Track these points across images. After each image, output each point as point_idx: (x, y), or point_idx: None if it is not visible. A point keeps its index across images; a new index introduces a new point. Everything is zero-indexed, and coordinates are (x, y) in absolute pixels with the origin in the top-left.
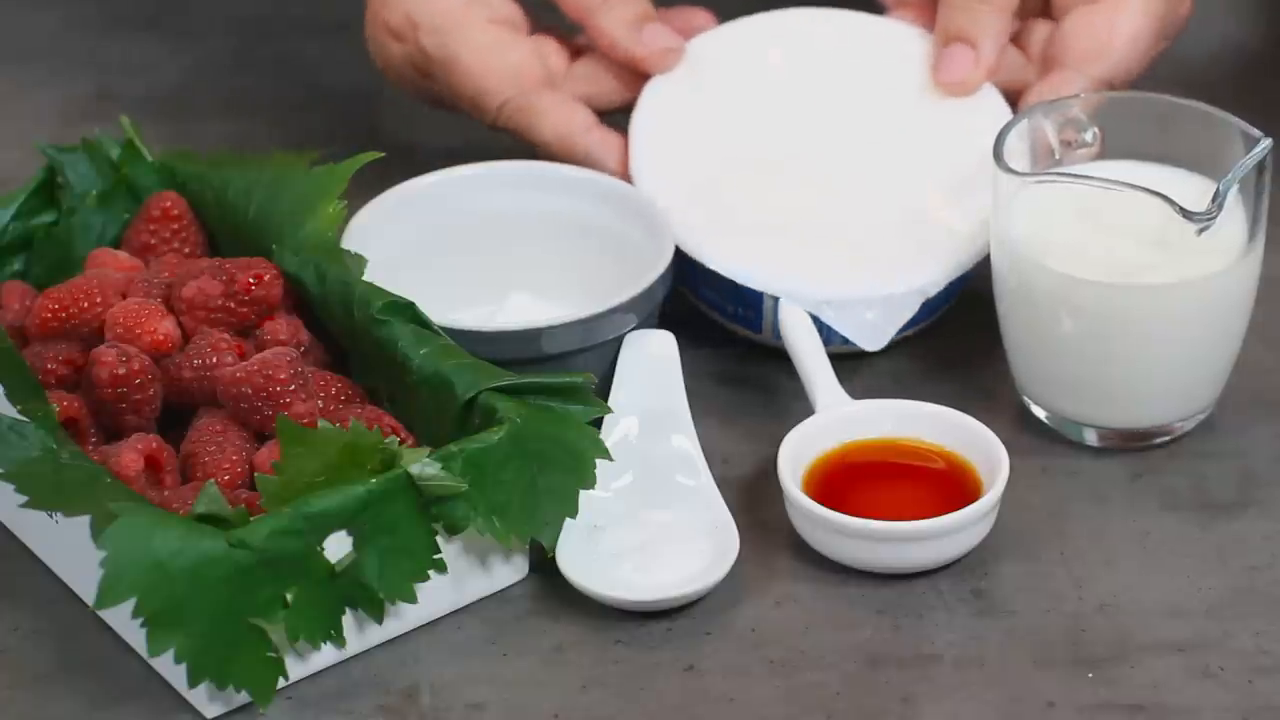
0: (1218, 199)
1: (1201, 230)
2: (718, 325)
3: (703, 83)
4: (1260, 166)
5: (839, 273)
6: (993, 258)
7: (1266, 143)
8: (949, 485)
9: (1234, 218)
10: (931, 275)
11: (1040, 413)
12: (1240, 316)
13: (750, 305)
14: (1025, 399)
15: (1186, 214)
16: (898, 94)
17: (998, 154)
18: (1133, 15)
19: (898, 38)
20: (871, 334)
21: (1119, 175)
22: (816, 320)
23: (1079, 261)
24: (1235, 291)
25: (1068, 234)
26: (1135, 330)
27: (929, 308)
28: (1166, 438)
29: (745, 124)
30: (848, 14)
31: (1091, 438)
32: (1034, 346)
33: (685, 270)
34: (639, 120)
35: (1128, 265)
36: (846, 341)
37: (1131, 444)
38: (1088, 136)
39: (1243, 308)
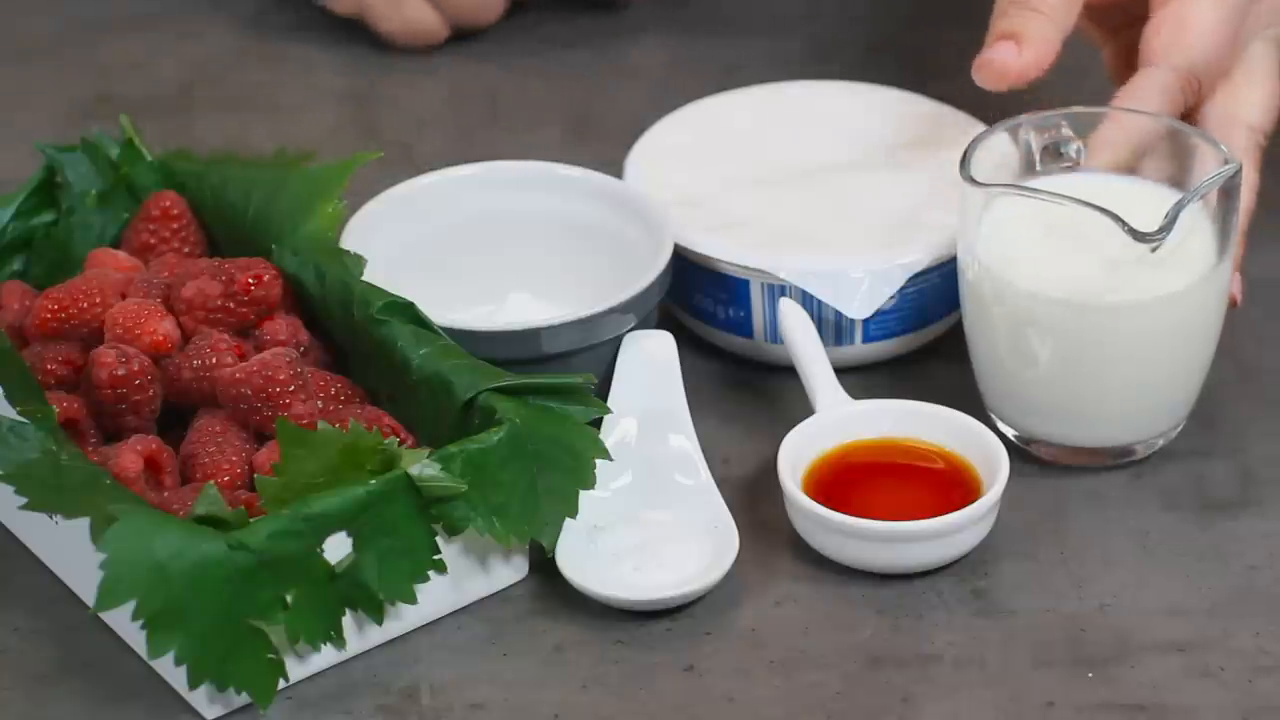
0: (1169, 220)
1: (1154, 250)
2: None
3: (701, 129)
4: (1228, 186)
5: (825, 251)
6: (959, 273)
7: (1233, 165)
8: (949, 485)
9: (1201, 237)
10: (917, 255)
11: (1008, 430)
12: (1206, 336)
13: (740, 304)
14: (992, 415)
15: (1136, 235)
16: (889, 128)
17: (964, 166)
18: (1201, 6)
19: (892, 98)
20: (857, 302)
21: (1097, 190)
22: (804, 297)
23: (1043, 279)
24: (1199, 311)
25: (1032, 251)
26: (1099, 349)
27: (928, 314)
28: (1131, 458)
29: (739, 156)
30: (842, 83)
31: (1054, 455)
32: (999, 363)
33: (675, 279)
34: (635, 155)
35: (1091, 283)
36: (839, 323)
37: (1095, 462)
38: (1071, 150)
39: (1208, 327)
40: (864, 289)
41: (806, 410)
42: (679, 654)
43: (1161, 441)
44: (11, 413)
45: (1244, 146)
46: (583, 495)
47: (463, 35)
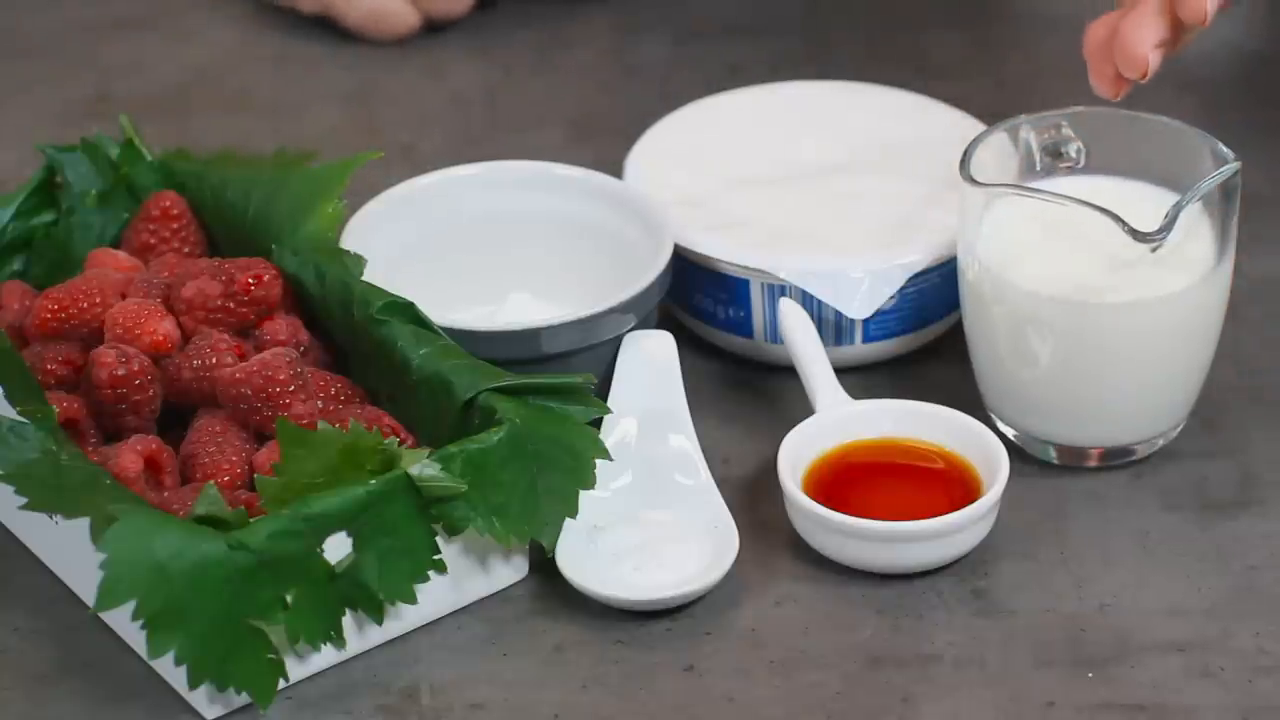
0: (1169, 220)
1: (1154, 250)
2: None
3: (701, 129)
4: (1228, 186)
5: (825, 251)
6: (959, 273)
7: (1232, 166)
8: (949, 485)
9: (1201, 237)
10: (917, 255)
11: (1008, 430)
12: (1206, 336)
13: (740, 304)
14: (992, 415)
15: (1136, 234)
16: (889, 128)
17: (964, 166)
18: None
19: (892, 98)
20: (857, 302)
21: (1097, 190)
22: (804, 297)
23: (1043, 279)
24: (1199, 311)
25: (1032, 251)
26: (1099, 348)
27: (928, 314)
28: (1131, 458)
29: (739, 156)
30: (842, 83)
31: (1054, 455)
32: (999, 363)
33: (675, 279)
34: (635, 155)
35: (1091, 283)
36: (839, 323)
37: (1097, 463)
38: (1071, 150)
39: (1208, 327)
40: (864, 289)
41: (806, 410)
42: (679, 654)
43: (1161, 441)
44: (11, 413)
45: None
46: (583, 495)
47: (436, 27)
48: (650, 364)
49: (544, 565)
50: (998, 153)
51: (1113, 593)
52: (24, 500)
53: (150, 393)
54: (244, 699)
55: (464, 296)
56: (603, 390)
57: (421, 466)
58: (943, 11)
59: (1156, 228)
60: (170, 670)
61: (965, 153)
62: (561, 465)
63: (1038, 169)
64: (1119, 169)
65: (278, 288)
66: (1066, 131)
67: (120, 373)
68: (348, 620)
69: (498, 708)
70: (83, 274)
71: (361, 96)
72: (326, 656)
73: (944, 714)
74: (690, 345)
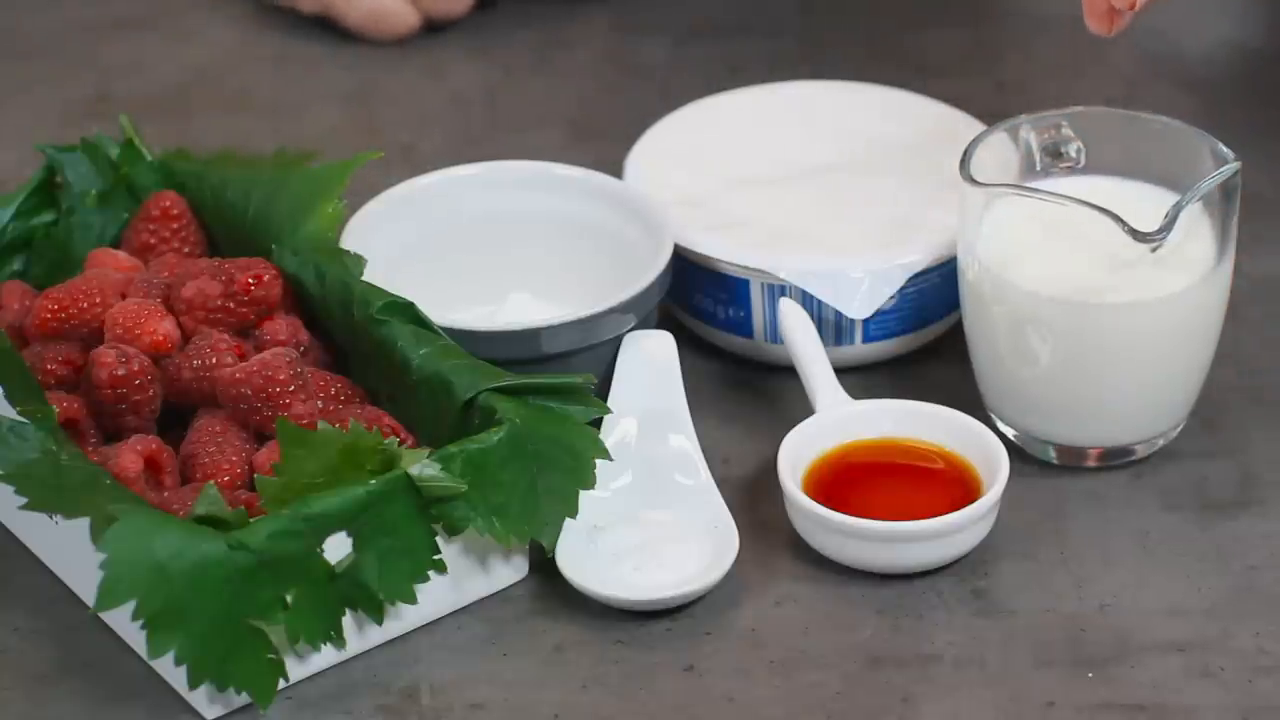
0: (1169, 220)
1: (1154, 250)
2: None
3: (701, 129)
4: (1228, 186)
5: (825, 251)
6: (959, 273)
7: (1232, 166)
8: (949, 485)
9: (1201, 237)
10: (917, 255)
11: (1008, 430)
12: (1206, 336)
13: (740, 304)
14: (992, 415)
15: (1136, 234)
16: (889, 128)
17: (964, 166)
18: None
19: (892, 98)
20: (857, 302)
21: (1097, 190)
22: (804, 297)
23: (1043, 279)
24: (1199, 311)
25: (1032, 251)
26: (1099, 348)
27: (928, 314)
28: (1131, 458)
29: (739, 156)
30: (842, 83)
31: (1054, 455)
32: (999, 362)
33: (675, 279)
34: (635, 155)
35: (1091, 283)
36: (839, 323)
37: (1097, 463)
38: (1071, 150)
39: (1208, 327)
40: (864, 289)
41: (806, 410)
42: (679, 654)
43: (1161, 441)
44: (11, 413)
45: None
46: (583, 495)
47: (436, 27)
48: (650, 364)
49: (544, 565)
50: (998, 153)
51: (1113, 593)
52: (24, 500)
53: (150, 393)
54: (244, 699)
55: (464, 296)
56: (603, 390)
57: (421, 466)
58: (941, 11)
59: (1156, 228)
60: (170, 670)
61: (965, 153)
62: (561, 465)
63: (1038, 169)
64: (1119, 169)
65: (278, 288)
66: (1066, 131)
67: (120, 373)
68: (348, 620)
69: (498, 708)
70: (83, 274)
71: (361, 96)
72: (326, 656)
73: (944, 714)
74: (690, 345)
